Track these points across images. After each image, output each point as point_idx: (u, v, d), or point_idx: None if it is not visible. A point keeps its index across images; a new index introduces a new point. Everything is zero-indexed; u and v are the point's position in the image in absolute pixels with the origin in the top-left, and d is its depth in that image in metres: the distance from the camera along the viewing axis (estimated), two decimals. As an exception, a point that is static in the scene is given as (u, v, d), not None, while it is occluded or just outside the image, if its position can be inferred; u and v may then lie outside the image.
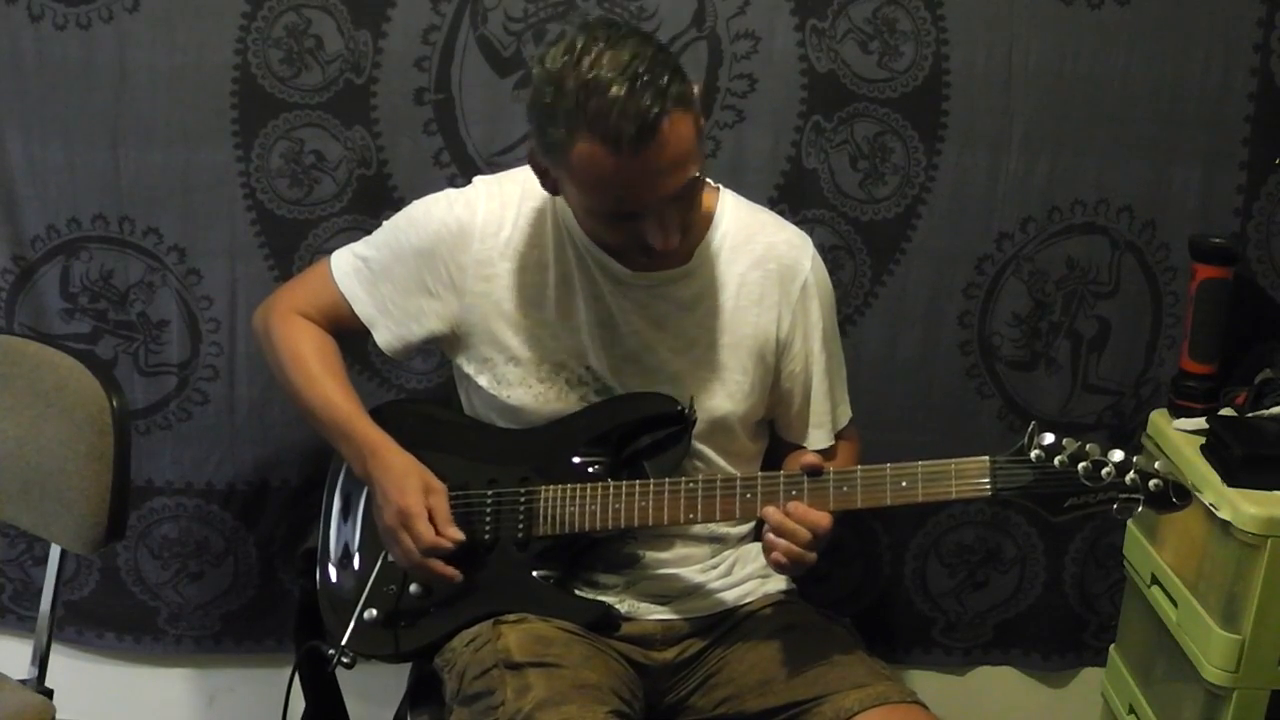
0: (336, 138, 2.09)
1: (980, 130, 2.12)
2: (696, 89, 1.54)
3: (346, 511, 1.83)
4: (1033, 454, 1.51)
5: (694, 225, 1.68)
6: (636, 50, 1.47)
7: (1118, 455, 1.49)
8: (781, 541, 1.56)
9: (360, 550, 1.80)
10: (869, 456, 1.66)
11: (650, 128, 1.45)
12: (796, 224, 1.85)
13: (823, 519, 1.55)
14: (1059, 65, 2.09)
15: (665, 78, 1.47)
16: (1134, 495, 1.49)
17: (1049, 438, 1.51)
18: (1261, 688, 1.90)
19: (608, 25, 1.51)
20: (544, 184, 1.63)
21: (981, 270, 2.18)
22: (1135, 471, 1.49)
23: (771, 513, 1.57)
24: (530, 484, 1.71)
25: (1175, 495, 1.49)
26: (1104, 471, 1.49)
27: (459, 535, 1.65)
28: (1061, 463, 1.50)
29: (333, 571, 1.81)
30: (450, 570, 1.66)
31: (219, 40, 2.04)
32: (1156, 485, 1.49)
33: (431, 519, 1.65)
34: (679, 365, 1.73)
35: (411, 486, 1.66)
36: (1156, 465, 1.50)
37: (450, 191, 1.76)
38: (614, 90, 1.44)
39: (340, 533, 1.83)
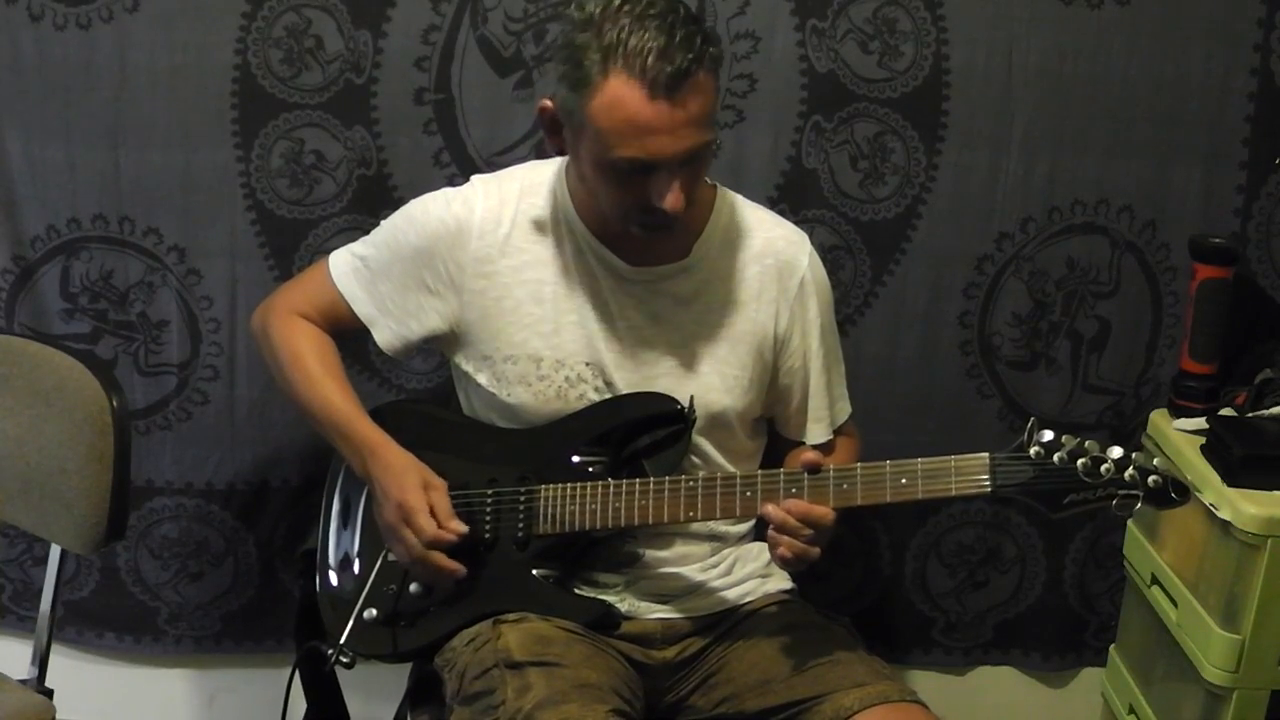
0: (336, 138, 2.09)
1: (980, 130, 2.12)
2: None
3: (346, 511, 1.83)
4: (1032, 451, 1.51)
5: (692, 220, 1.68)
6: (674, 6, 1.52)
7: (1117, 452, 1.49)
8: (784, 538, 1.56)
9: (360, 550, 1.80)
10: (869, 456, 1.66)
11: (684, 74, 1.48)
12: (796, 224, 1.85)
13: (825, 514, 1.56)
14: (1059, 65, 2.09)
15: (699, 37, 1.50)
16: (1133, 492, 1.49)
17: (1048, 434, 1.51)
18: (1261, 688, 1.90)
19: None
20: (552, 143, 1.63)
21: (981, 270, 2.18)
22: (1134, 468, 1.49)
23: (772, 510, 1.57)
24: (530, 483, 1.71)
25: (1174, 491, 1.49)
26: (1103, 468, 1.49)
27: (461, 528, 1.65)
28: (1061, 459, 1.50)
29: (332, 571, 1.81)
30: (452, 564, 1.65)
31: (219, 40, 2.04)
32: (1155, 482, 1.49)
33: (433, 513, 1.64)
34: (677, 360, 1.73)
35: (411, 483, 1.66)
36: (1155, 462, 1.50)
37: (448, 190, 1.76)
38: (653, 34, 1.48)
39: (340, 532, 1.82)
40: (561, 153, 1.64)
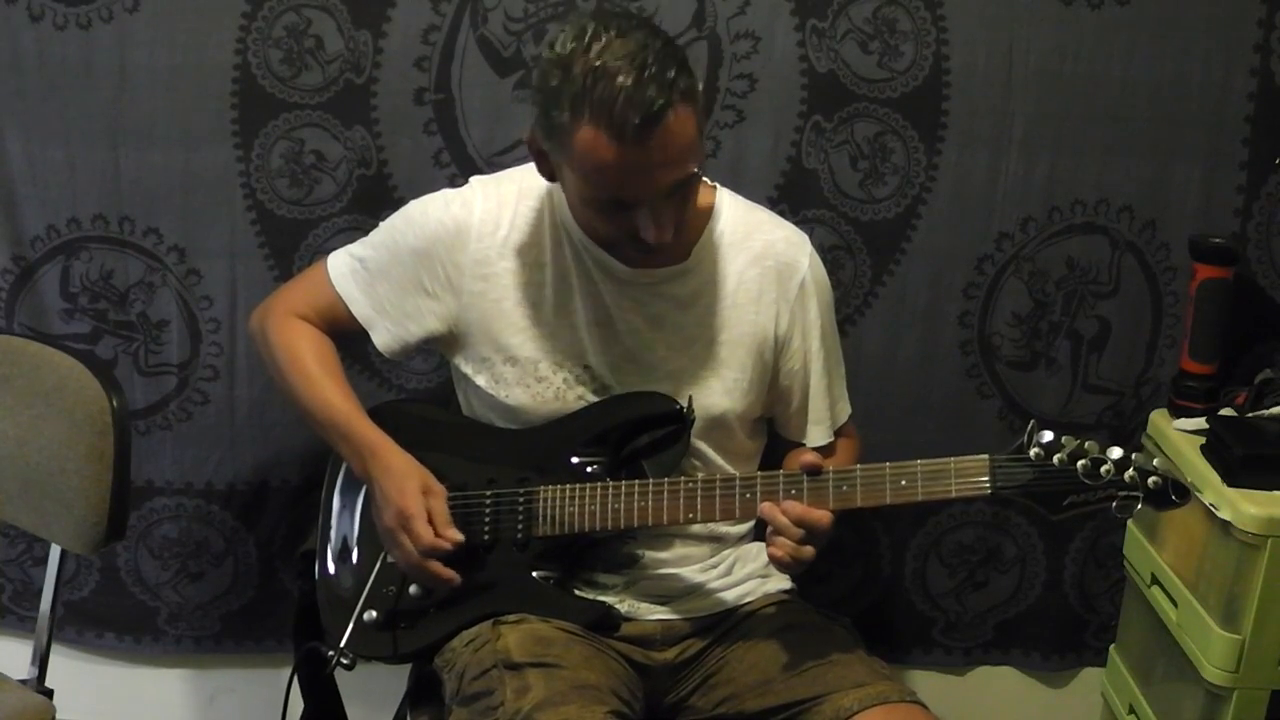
0: (336, 138, 2.09)
1: (980, 130, 2.12)
2: (700, 86, 1.54)
3: (345, 513, 1.83)
4: (1032, 452, 1.51)
5: (690, 222, 1.68)
6: (646, 41, 1.48)
7: (1116, 453, 1.49)
8: (778, 538, 1.56)
9: (359, 551, 1.80)
10: (869, 457, 1.66)
11: (654, 118, 1.46)
12: (796, 224, 1.85)
13: (821, 517, 1.55)
14: (1059, 65, 2.09)
15: (672, 70, 1.48)
16: (1133, 493, 1.49)
17: (1048, 435, 1.51)
18: (1261, 688, 1.90)
19: (618, 15, 1.53)
20: (541, 169, 1.63)
21: (981, 270, 2.18)
22: (1134, 469, 1.49)
23: (766, 509, 1.57)
24: (529, 484, 1.71)
25: (1174, 493, 1.49)
26: (1103, 469, 1.49)
27: (458, 536, 1.65)
28: (1060, 461, 1.50)
29: (331, 573, 1.81)
30: (448, 572, 1.65)
31: (219, 40, 2.04)
32: (1155, 482, 1.48)
33: (430, 520, 1.64)
34: (677, 363, 1.73)
35: (411, 488, 1.65)
36: (1155, 463, 1.50)
37: (447, 191, 1.76)
38: (621, 78, 1.45)
39: (339, 534, 1.82)
40: (551, 179, 1.64)
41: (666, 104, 1.46)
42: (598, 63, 1.46)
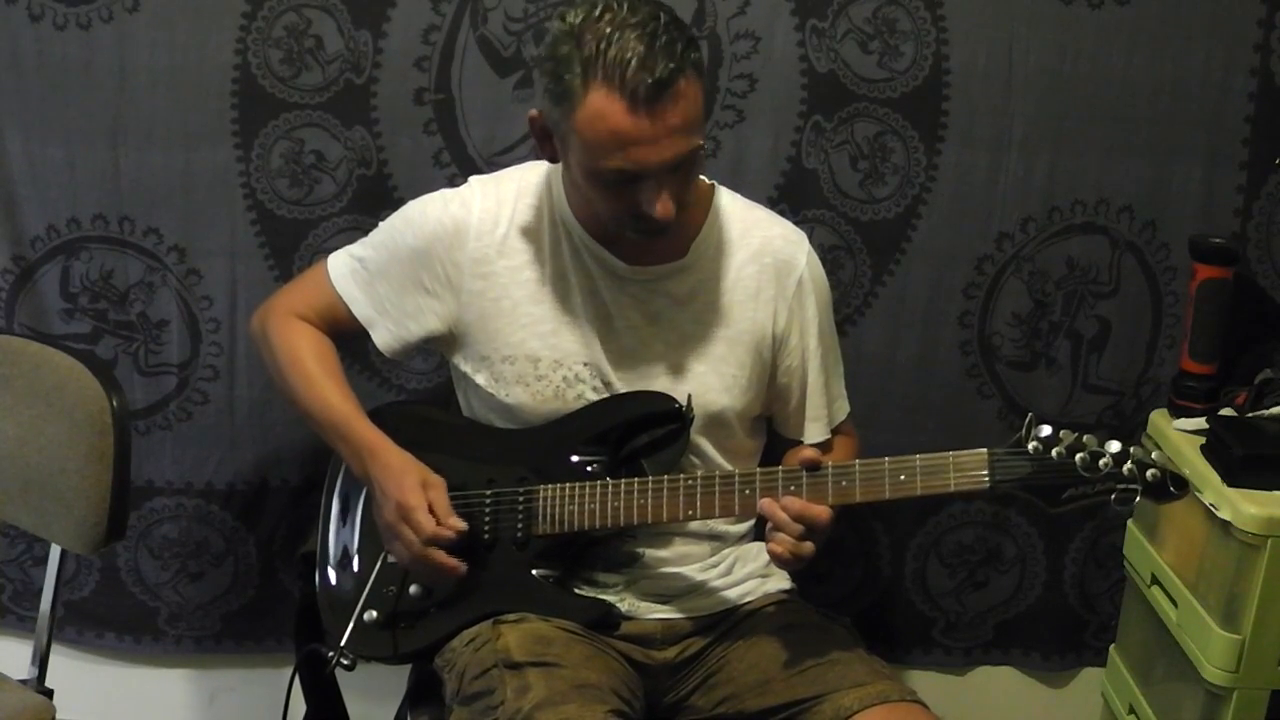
0: (336, 138, 2.09)
1: (980, 130, 2.12)
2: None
3: (345, 513, 1.83)
4: (1030, 446, 1.51)
5: (689, 219, 1.68)
6: (655, 14, 1.51)
7: (1115, 446, 1.49)
8: (778, 534, 1.56)
9: (359, 551, 1.80)
10: (869, 456, 1.66)
11: (666, 83, 1.47)
12: (796, 224, 1.85)
13: (821, 513, 1.55)
14: (1059, 65, 2.09)
15: (682, 42, 1.50)
16: (1131, 486, 1.49)
17: (1046, 429, 1.51)
18: (1261, 688, 1.90)
19: None
20: (544, 151, 1.63)
21: (981, 270, 2.18)
22: (1133, 462, 1.49)
23: (766, 505, 1.57)
24: (529, 483, 1.71)
25: (1173, 485, 1.49)
26: (1101, 462, 1.49)
27: (460, 525, 1.65)
28: (1059, 454, 1.50)
29: (332, 573, 1.81)
30: (452, 561, 1.65)
31: (219, 40, 2.04)
32: (1154, 475, 1.49)
33: (431, 511, 1.64)
34: (675, 360, 1.73)
35: (410, 482, 1.66)
36: (1153, 455, 1.50)
37: (446, 191, 1.76)
38: (634, 44, 1.47)
39: (339, 534, 1.83)
40: (554, 160, 1.65)
41: (678, 69, 1.48)
42: (609, 30, 1.48)
